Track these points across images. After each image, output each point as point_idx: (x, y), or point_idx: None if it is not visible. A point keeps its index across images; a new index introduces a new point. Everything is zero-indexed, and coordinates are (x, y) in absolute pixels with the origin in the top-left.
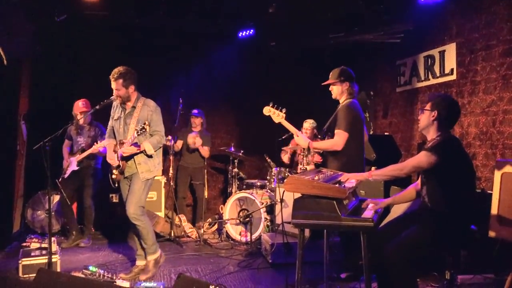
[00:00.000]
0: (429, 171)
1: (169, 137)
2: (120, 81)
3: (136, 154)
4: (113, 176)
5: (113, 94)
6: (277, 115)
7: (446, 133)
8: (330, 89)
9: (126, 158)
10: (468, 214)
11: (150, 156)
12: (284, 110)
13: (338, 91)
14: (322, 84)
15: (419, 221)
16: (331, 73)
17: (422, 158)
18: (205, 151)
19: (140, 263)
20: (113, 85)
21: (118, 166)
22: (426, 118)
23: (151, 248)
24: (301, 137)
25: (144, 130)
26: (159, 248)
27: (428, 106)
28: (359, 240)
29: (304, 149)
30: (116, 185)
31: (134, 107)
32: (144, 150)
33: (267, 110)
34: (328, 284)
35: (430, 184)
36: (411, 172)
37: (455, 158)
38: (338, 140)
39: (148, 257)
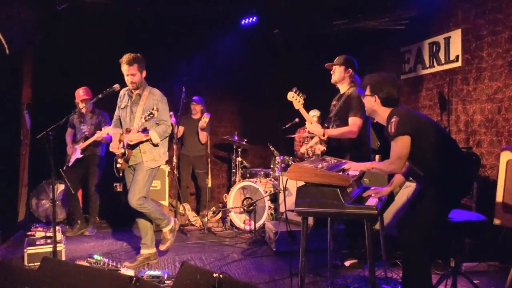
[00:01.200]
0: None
1: (171, 113)
2: (136, 65)
3: (142, 142)
4: (118, 165)
5: (126, 79)
6: (298, 101)
7: (395, 111)
8: (332, 71)
9: (132, 146)
10: (462, 168)
11: (155, 145)
12: (303, 97)
13: (340, 76)
14: (326, 65)
15: (423, 192)
16: (337, 58)
17: (398, 147)
18: (203, 136)
19: (144, 251)
20: (128, 70)
21: (124, 154)
22: (369, 104)
23: (164, 223)
24: (315, 125)
25: (152, 115)
26: (171, 218)
27: (368, 91)
28: (363, 228)
29: (308, 137)
30: (121, 174)
31: (140, 95)
32: (150, 139)
33: (291, 96)
34: (332, 271)
35: (417, 160)
36: (402, 165)
37: (420, 126)
38: (354, 127)
39: (163, 229)
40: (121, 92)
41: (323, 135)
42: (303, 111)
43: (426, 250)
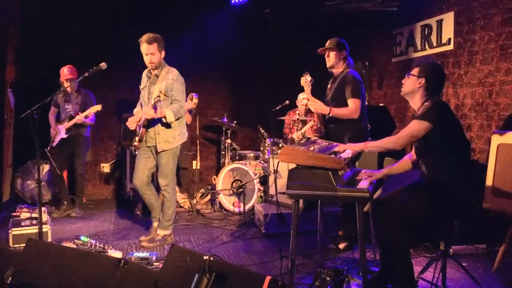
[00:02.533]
0: (424, 140)
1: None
2: (156, 45)
3: (157, 122)
4: (134, 143)
5: (145, 59)
6: (308, 87)
7: (434, 99)
8: (326, 55)
9: (147, 126)
10: (465, 182)
11: (169, 126)
12: (312, 81)
13: (335, 59)
14: (319, 50)
15: (420, 189)
16: (328, 41)
17: (414, 127)
18: (187, 116)
19: (156, 224)
20: (147, 49)
21: (137, 133)
22: (411, 84)
23: (165, 223)
24: (320, 104)
25: (159, 100)
26: (172, 230)
27: (415, 72)
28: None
29: (298, 120)
30: (135, 152)
31: (157, 75)
32: (165, 117)
33: (304, 81)
34: (322, 254)
35: (425, 154)
36: (406, 143)
37: (447, 123)
38: (355, 108)
39: (158, 230)
40: (143, 73)
41: (329, 113)
42: (308, 91)
43: (405, 232)
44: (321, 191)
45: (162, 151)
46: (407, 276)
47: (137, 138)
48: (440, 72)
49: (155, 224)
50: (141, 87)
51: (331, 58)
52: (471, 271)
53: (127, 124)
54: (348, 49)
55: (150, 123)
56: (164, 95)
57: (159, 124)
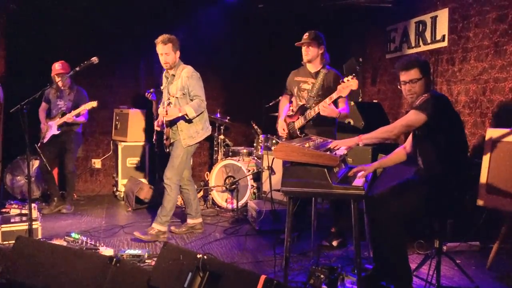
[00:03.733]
0: (421, 131)
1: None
2: (170, 45)
3: (179, 119)
4: (165, 142)
5: (161, 59)
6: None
7: (432, 92)
8: (306, 49)
9: (170, 124)
10: (462, 179)
11: (190, 122)
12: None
13: (315, 53)
14: (298, 43)
15: (414, 186)
16: (307, 34)
17: (411, 117)
18: None
19: (190, 221)
20: (162, 49)
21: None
22: (419, 87)
23: (162, 219)
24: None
25: (169, 103)
26: (167, 227)
27: (416, 75)
28: (346, 207)
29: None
30: (167, 150)
31: (174, 75)
32: (186, 114)
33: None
34: (315, 251)
35: (422, 146)
36: (401, 132)
37: (444, 115)
38: (346, 107)
39: (154, 224)
40: (162, 75)
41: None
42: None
43: (402, 229)
44: (316, 189)
45: (187, 146)
46: (405, 274)
47: (165, 137)
48: (428, 63)
49: (188, 220)
50: (162, 87)
51: (311, 53)
52: (464, 268)
53: (155, 128)
54: (325, 44)
55: (172, 122)
56: (182, 94)
57: (182, 121)
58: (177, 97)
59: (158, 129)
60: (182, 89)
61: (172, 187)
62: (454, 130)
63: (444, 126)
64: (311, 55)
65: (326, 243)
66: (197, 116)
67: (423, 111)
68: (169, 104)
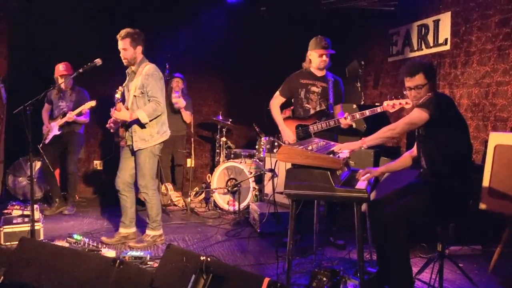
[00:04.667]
0: (424, 130)
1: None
2: (128, 40)
3: (134, 121)
4: (121, 143)
5: (121, 54)
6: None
7: (435, 92)
8: (326, 57)
9: (125, 126)
10: (466, 179)
11: (144, 125)
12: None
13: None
14: (323, 51)
15: (417, 190)
16: (327, 42)
17: (414, 114)
18: (187, 116)
19: (122, 230)
20: (120, 44)
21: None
22: (425, 94)
23: (152, 225)
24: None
25: (119, 100)
26: (161, 229)
27: (421, 80)
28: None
29: None
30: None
31: (134, 72)
32: (138, 119)
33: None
34: (317, 253)
35: (425, 146)
36: (404, 131)
37: (448, 114)
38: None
39: (147, 231)
40: (128, 70)
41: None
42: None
43: (406, 231)
44: (319, 191)
45: (138, 149)
46: (405, 278)
47: (120, 137)
48: (432, 67)
49: (121, 229)
50: (124, 84)
51: (327, 60)
52: (467, 272)
53: (107, 126)
54: None
55: (129, 123)
56: (141, 92)
57: (135, 123)
58: (135, 96)
59: (111, 130)
60: (141, 87)
61: (149, 194)
62: (457, 131)
63: (447, 126)
64: (326, 63)
65: (331, 239)
66: (152, 120)
67: (426, 109)
68: (121, 101)
